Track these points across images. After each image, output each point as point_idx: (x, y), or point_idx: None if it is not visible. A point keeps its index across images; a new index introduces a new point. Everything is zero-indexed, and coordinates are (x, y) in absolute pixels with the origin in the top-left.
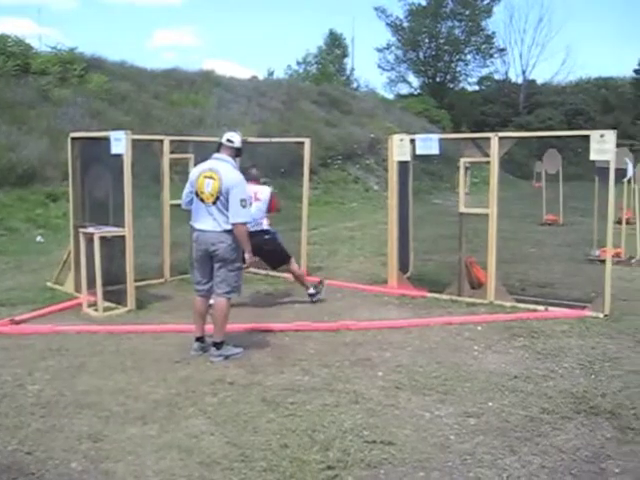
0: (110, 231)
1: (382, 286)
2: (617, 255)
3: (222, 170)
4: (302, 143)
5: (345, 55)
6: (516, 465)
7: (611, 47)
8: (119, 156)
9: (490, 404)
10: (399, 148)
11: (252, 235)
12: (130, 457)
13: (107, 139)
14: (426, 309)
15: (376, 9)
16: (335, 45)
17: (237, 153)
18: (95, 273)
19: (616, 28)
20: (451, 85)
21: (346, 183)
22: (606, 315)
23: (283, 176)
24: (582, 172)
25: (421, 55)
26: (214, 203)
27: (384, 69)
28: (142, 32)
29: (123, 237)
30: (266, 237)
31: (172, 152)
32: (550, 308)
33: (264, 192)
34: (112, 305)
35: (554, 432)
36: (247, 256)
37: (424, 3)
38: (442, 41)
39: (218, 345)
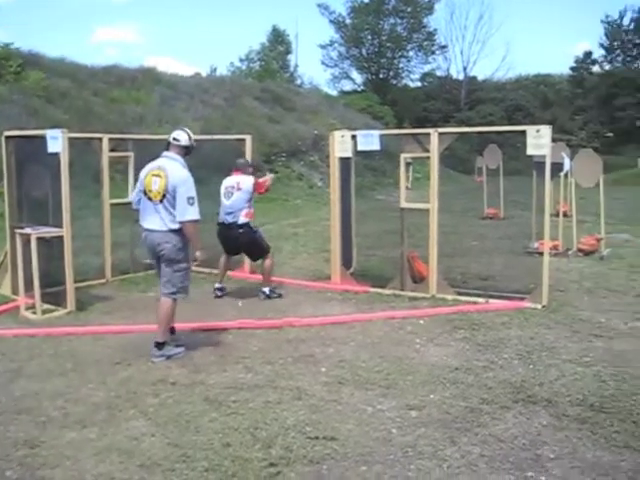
0: (48, 231)
1: (325, 282)
2: (555, 247)
3: (169, 168)
4: (243, 140)
5: (288, 52)
6: (456, 455)
7: (549, 44)
8: (56, 155)
9: (432, 396)
10: (340, 144)
11: (227, 228)
12: (68, 462)
13: (43, 137)
14: (369, 304)
15: (319, 6)
16: (278, 42)
17: (186, 151)
18: (33, 275)
19: (554, 26)
20: (394, 81)
21: (290, 180)
22: (544, 306)
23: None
24: (522, 167)
25: (364, 52)
26: (161, 201)
27: (328, 65)
28: (83, 28)
29: (61, 237)
30: (240, 231)
31: (112, 150)
32: (490, 300)
33: (246, 182)
34: (51, 307)
35: (493, 422)
36: (198, 254)
37: (366, 0)
38: (385, 38)
39: (160, 345)
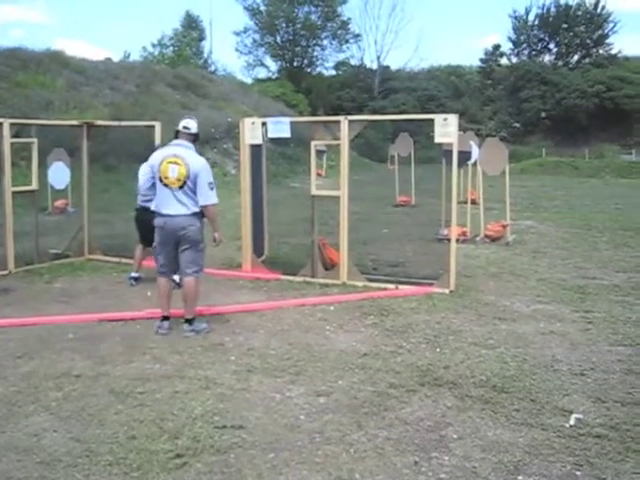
0: None
1: (236, 270)
2: (463, 234)
3: (187, 156)
4: (153, 127)
5: (202, 38)
6: (363, 440)
7: (459, 37)
8: None
9: (340, 382)
10: (251, 131)
11: (146, 212)
12: None
13: None
14: (280, 292)
15: None
16: (192, 27)
17: (194, 138)
18: None
19: (464, 19)
20: (308, 70)
21: None
22: (451, 291)
23: (137, 160)
24: (434, 155)
25: (279, 39)
26: (181, 188)
27: (242, 52)
28: None
29: None
30: None
31: (15, 136)
32: (400, 286)
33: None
34: None
35: (400, 405)
36: (217, 235)
37: None
38: (299, 26)
39: (190, 321)
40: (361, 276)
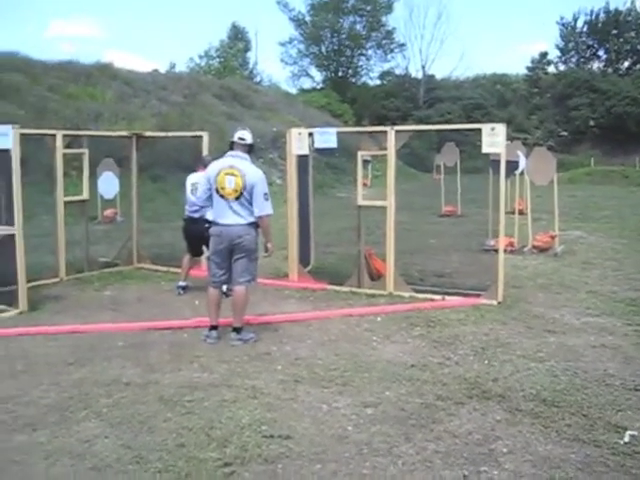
0: None
1: (283, 280)
2: (510, 245)
3: (243, 167)
4: (200, 137)
5: (248, 49)
6: (411, 452)
7: (505, 45)
8: (6, 152)
9: (387, 393)
10: (298, 142)
11: (194, 222)
12: (16, 467)
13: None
14: (326, 302)
15: (278, 3)
16: (238, 38)
17: (249, 149)
18: None
19: (510, 26)
20: (353, 79)
21: None
22: (499, 302)
23: (184, 170)
24: (481, 165)
25: (323, 49)
26: (237, 199)
27: (287, 63)
28: (37, 22)
29: (13, 236)
30: (206, 226)
31: (67, 147)
32: (447, 297)
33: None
34: (1, 307)
35: (448, 418)
36: (269, 245)
37: None
38: (344, 36)
39: (238, 330)
40: (407, 287)
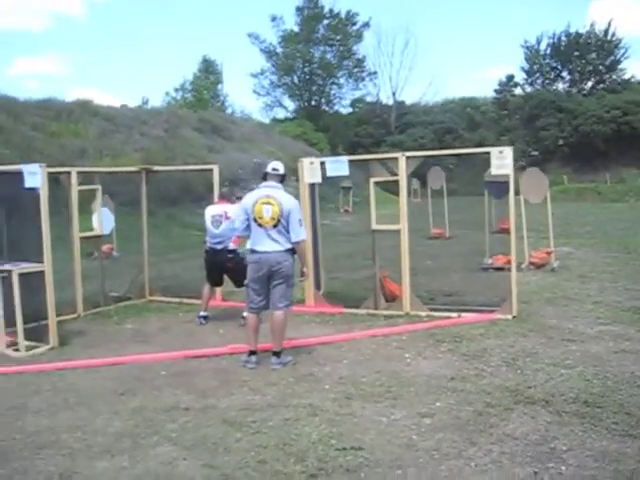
0: (29, 267)
1: (300, 305)
2: (508, 262)
3: (279, 196)
4: (211, 170)
5: (219, 81)
6: (479, 454)
7: (472, 69)
8: (33, 190)
9: (438, 404)
10: (310, 171)
11: (217, 253)
12: None
13: (17, 173)
14: (347, 324)
15: (249, 35)
16: (209, 71)
17: (282, 179)
18: (15, 312)
19: (476, 51)
20: (326, 108)
21: None
22: (514, 316)
23: (172, 204)
24: (456, 187)
25: (295, 79)
26: (275, 226)
27: (259, 94)
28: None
29: (42, 273)
30: (229, 256)
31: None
32: (462, 314)
33: (234, 211)
34: (32, 344)
35: (502, 422)
36: (305, 269)
37: (297, 29)
38: (315, 65)
39: (278, 354)
40: (423, 306)
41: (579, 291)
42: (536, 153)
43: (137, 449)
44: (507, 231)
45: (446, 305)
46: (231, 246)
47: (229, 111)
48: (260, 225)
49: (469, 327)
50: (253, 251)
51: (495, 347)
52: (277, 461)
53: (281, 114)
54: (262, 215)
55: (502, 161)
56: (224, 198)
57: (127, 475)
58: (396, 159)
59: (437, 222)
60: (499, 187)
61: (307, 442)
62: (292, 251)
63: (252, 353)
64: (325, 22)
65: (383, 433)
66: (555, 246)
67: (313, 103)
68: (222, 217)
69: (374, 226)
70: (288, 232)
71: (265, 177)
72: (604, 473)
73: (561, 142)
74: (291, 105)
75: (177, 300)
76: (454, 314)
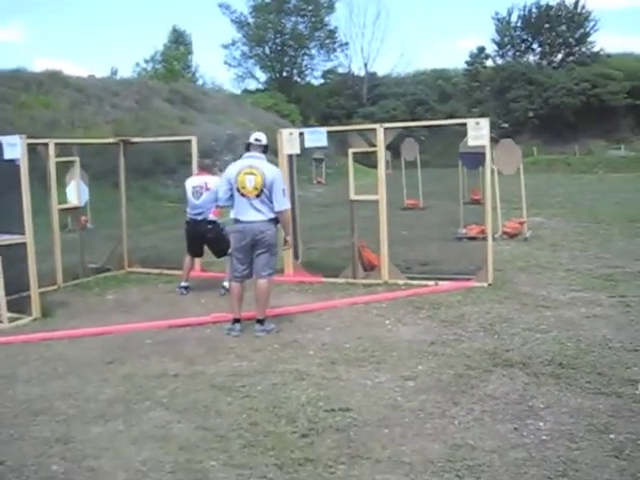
0: (10, 239)
1: (279, 275)
2: (482, 232)
3: (262, 166)
4: (189, 141)
5: (190, 52)
6: (462, 413)
7: (443, 40)
8: (11, 161)
9: (420, 367)
10: (289, 142)
11: (197, 224)
12: (109, 453)
13: None
14: (326, 293)
15: (220, 5)
16: (179, 42)
17: (264, 150)
18: None
19: (448, 22)
20: (298, 79)
21: None
22: (490, 284)
23: (144, 176)
24: (429, 158)
25: (267, 50)
26: (257, 196)
27: (231, 65)
28: None
29: (24, 244)
30: (209, 227)
31: (57, 156)
32: (439, 282)
33: (214, 182)
34: (14, 315)
35: (482, 384)
36: (288, 238)
37: None
38: (287, 36)
39: (261, 321)
40: (402, 275)
41: (551, 259)
42: (506, 125)
43: (130, 414)
44: (479, 202)
45: (423, 274)
46: (211, 217)
47: (200, 82)
48: (243, 195)
49: (447, 295)
50: (237, 221)
51: (472, 313)
52: (269, 423)
53: (252, 85)
54: (245, 185)
55: (479, 132)
56: (204, 169)
57: (124, 438)
58: (374, 130)
59: (410, 193)
60: (473, 158)
61: (296, 404)
62: (275, 220)
63: (236, 321)
64: None
65: (369, 395)
66: (527, 216)
67: (285, 74)
68: (202, 188)
69: (352, 196)
70: (271, 202)
71: (248, 148)
72: (579, 427)
73: (531, 114)
74: (263, 76)
75: (157, 271)
76: (431, 282)
